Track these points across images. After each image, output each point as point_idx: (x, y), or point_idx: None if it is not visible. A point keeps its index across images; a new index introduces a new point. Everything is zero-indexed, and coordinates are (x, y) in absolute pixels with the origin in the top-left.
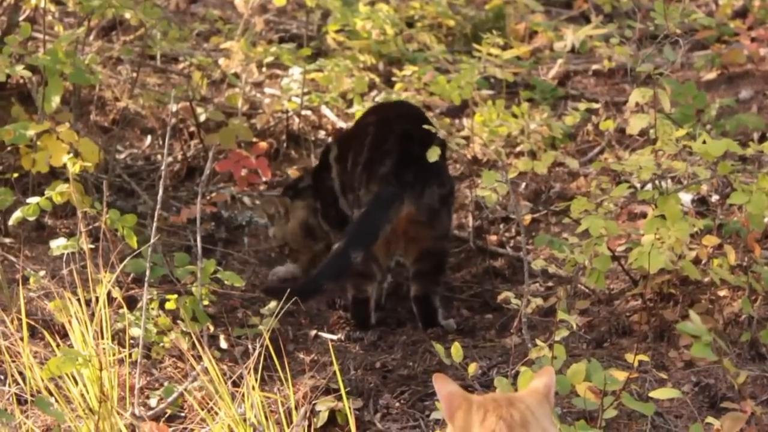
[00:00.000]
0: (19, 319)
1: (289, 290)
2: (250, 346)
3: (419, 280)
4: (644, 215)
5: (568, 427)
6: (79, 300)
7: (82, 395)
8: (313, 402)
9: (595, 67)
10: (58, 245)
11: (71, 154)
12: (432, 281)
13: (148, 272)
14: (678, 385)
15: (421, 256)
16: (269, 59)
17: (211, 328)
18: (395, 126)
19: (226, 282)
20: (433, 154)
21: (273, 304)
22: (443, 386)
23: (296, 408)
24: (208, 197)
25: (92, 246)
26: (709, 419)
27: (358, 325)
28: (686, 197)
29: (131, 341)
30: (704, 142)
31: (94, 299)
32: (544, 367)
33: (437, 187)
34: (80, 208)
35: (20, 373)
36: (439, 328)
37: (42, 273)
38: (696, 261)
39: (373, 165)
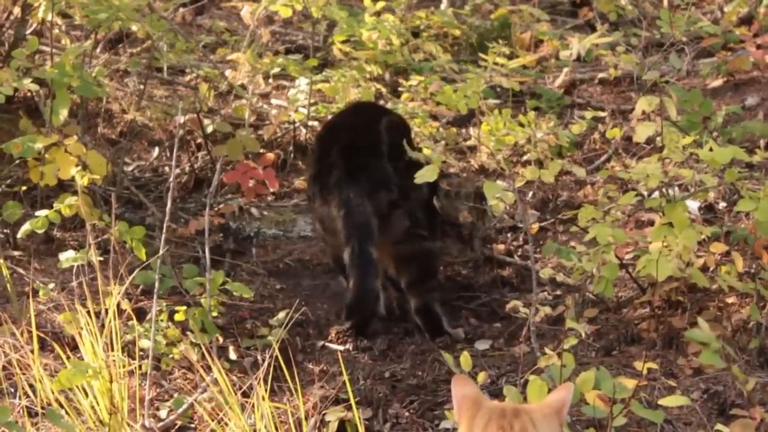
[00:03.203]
0: (29, 332)
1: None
2: (259, 357)
3: (412, 290)
4: (651, 223)
5: None
6: (88, 312)
7: (93, 407)
8: (323, 412)
9: (601, 75)
10: (67, 258)
11: (79, 167)
12: (425, 288)
13: (157, 284)
14: (687, 392)
15: (397, 263)
16: (276, 70)
17: (221, 339)
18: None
19: (234, 293)
20: (431, 174)
21: (281, 314)
22: (459, 388)
23: (306, 418)
24: (216, 208)
25: (101, 258)
26: (719, 426)
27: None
28: (693, 205)
29: (141, 353)
30: (711, 150)
31: (103, 311)
32: (564, 383)
33: (385, 192)
34: (89, 220)
35: (31, 386)
36: (447, 337)
37: (51, 285)
38: (704, 268)
39: (322, 177)
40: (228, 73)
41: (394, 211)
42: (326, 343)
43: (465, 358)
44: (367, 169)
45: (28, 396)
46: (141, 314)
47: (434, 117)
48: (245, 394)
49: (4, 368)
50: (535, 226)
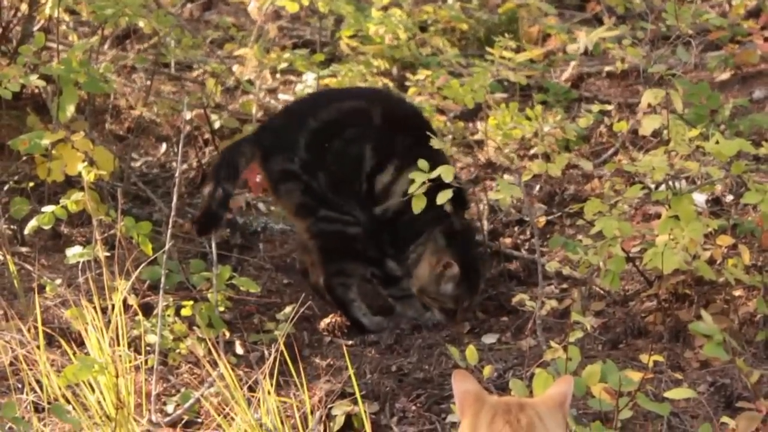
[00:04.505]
0: (36, 328)
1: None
2: (265, 352)
3: (318, 269)
4: (658, 216)
5: (583, 429)
6: (95, 308)
7: (99, 402)
8: (329, 406)
9: (608, 68)
10: (74, 253)
11: (86, 163)
12: (328, 271)
13: (163, 279)
14: (693, 385)
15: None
16: (283, 65)
17: (227, 334)
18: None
19: (241, 288)
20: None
21: (288, 309)
22: (459, 384)
23: (312, 412)
24: None
25: (108, 254)
26: (724, 419)
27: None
28: (700, 197)
29: (147, 348)
30: (717, 143)
31: (110, 307)
32: (563, 376)
33: (281, 159)
34: (95, 216)
35: (37, 381)
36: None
37: (58, 281)
38: (710, 261)
39: None
40: (235, 68)
41: (285, 182)
42: (333, 339)
43: (471, 351)
44: (276, 134)
45: (34, 391)
46: (147, 309)
47: (441, 111)
48: (251, 389)
49: (11, 364)
50: (542, 220)
